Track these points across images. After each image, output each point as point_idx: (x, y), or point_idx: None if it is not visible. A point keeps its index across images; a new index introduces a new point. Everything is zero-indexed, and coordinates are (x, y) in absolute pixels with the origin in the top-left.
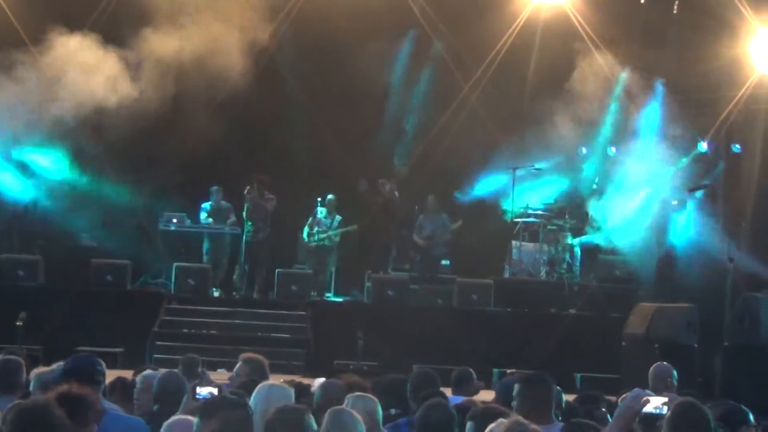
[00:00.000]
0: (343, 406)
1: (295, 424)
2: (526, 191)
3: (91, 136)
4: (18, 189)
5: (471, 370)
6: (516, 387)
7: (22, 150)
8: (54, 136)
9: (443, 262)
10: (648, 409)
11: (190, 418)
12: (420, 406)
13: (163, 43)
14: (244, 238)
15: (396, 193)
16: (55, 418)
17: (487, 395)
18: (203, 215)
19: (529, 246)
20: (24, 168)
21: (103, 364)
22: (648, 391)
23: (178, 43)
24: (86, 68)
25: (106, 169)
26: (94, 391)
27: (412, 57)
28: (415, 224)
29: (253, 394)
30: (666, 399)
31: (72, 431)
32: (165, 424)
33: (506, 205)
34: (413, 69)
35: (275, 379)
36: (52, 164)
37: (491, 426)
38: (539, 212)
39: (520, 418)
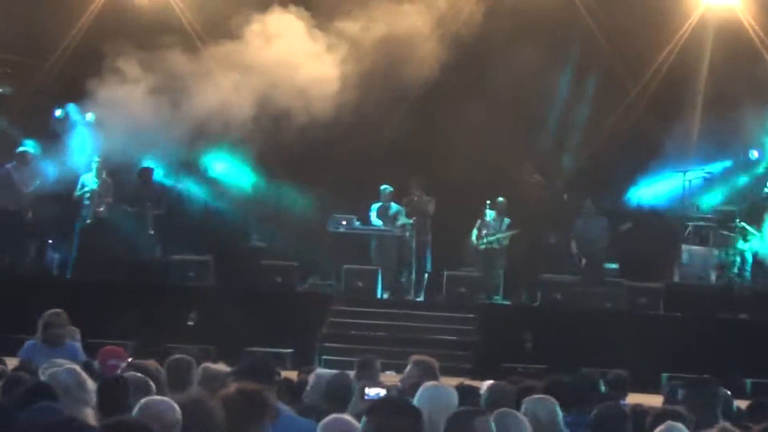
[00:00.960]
0: (522, 410)
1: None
2: (696, 194)
3: (268, 135)
4: (191, 192)
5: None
6: (681, 391)
7: (199, 152)
8: (233, 137)
9: (611, 265)
10: None
11: (346, 417)
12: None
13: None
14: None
15: (565, 196)
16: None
17: (654, 400)
18: (373, 216)
19: (699, 250)
20: (199, 170)
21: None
22: None
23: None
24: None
25: (278, 170)
26: (269, 389)
27: (579, 61)
28: (574, 228)
29: (417, 395)
30: None
31: (247, 428)
32: (321, 423)
33: (676, 208)
34: (580, 72)
35: (443, 382)
36: (228, 166)
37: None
38: (709, 215)
39: (728, 425)
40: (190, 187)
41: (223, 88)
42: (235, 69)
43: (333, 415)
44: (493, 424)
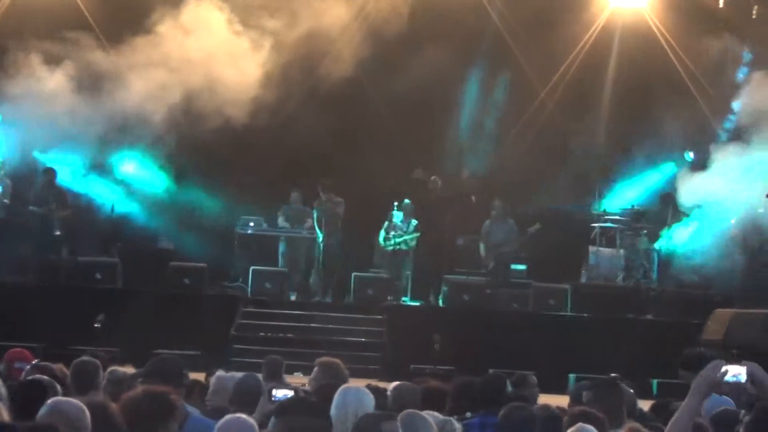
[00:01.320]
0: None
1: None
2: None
3: (179, 135)
4: (100, 192)
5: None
6: (587, 393)
7: (109, 152)
8: (144, 137)
9: (519, 266)
10: (728, 378)
11: (244, 416)
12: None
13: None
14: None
15: (473, 198)
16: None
17: (562, 400)
18: (280, 219)
19: (605, 251)
20: (109, 171)
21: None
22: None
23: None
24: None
25: (188, 170)
26: (177, 392)
27: (488, 63)
28: (482, 230)
29: (335, 396)
30: (745, 368)
31: (153, 430)
32: (218, 423)
33: (584, 209)
34: (491, 73)
35: (353, 383)
36: (136, 169)
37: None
38: (616, 217)
39: (637, 425)
40: (98, 188)
41: (135, 86)
42: (149, 66)
43: (229, 416)
44: (399, 427)
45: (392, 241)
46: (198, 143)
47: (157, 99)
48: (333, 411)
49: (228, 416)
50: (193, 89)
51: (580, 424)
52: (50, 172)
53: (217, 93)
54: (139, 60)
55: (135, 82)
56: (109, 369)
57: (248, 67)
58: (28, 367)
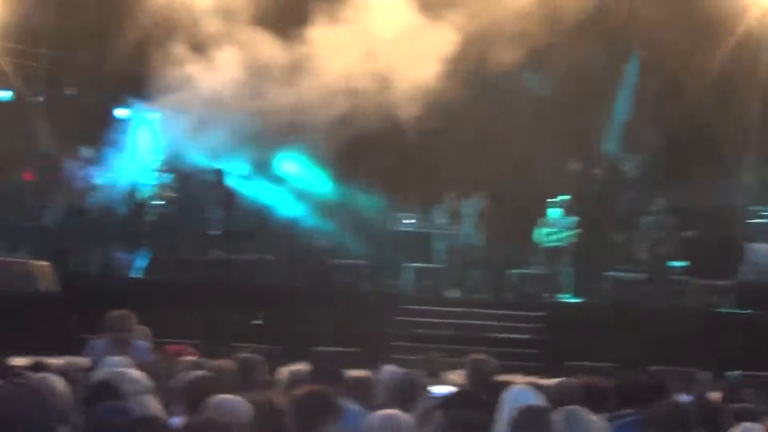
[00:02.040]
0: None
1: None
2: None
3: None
4: (263, 193)
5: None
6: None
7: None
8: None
9: (678, 263)
10: None
11: (398, 413)
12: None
13: None
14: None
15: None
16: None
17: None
18: (437, 216)
19: (764, 247)
20: (269, 170)
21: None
22: None
23: None
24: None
25: (346, 169)
26: (337, 389)
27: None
28: (641, 226)
29: (504, 395)
30: None
31: (316, 429)
32: (374, 420)
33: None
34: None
35: (510, 380)
36: (298, 165)
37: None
38: None
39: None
40: (262, 189)
41: (305, 82)
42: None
43: (382, 412)
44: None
45: (549, 238)
46: (359, 140)
47: (328, 96)
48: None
49: (382, 413)
50: (365, 86)
51: (744, 424)
52: (218, 173)
53: (390, 90)
54: (313, 53)
55: (305, 78)
56: (289, 369)
57: (426, 61)
58: (190, 363)
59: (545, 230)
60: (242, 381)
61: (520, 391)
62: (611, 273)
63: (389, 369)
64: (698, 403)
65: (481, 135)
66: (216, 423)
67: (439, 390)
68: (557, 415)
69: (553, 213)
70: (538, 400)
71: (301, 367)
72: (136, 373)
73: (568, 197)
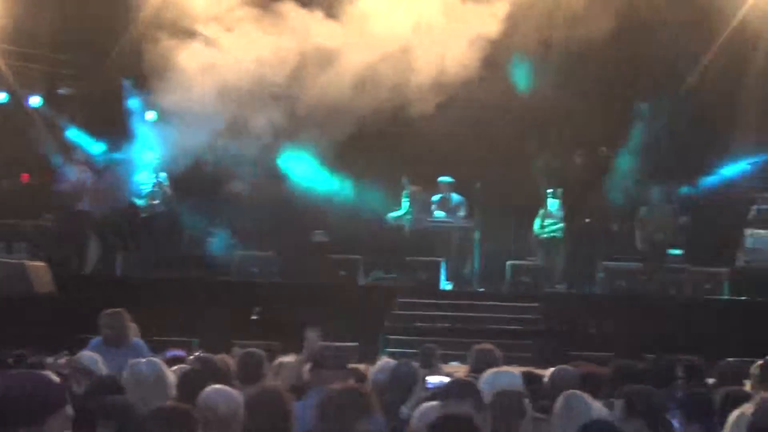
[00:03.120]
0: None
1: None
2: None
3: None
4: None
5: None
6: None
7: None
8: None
9: (675, 251)
10: None
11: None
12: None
13: None
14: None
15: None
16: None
17: None
18: (433, 208)
19: (763, 233)
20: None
21: None
22: None
23: None
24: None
25: (341, 162)
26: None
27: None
28: (639, 215)
29: (482, 379)
30: None
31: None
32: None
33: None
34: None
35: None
36: (298, 160)
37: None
38: None
39: None
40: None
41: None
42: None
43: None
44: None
45: (547, 229)
46: (355, 134)
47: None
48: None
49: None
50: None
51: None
52: (216, 170)
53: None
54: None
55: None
56: (278, 360)
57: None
58: (191, 357)
59: (543, 221)
60: (245, 375)
61: (498, 373)
62: (607, 262)
63: (386, 361)
64: (694, 389)
65: (476, 125)
66: (180, 409)
67: (436, 381)
68: (557, 400)
69: (552, 204)
70: (514, 381)
71: (290, 359)
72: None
73: (563, 189)
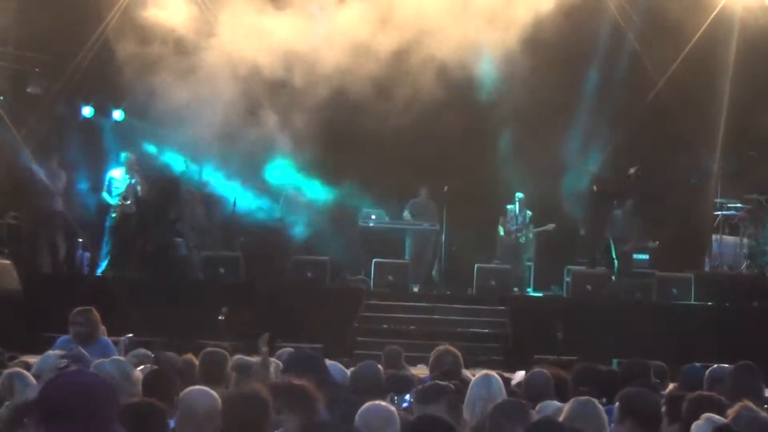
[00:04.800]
0: None
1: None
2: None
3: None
4: (222, 187)
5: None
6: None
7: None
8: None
9: (641, 256)
10: None
11: (384, 403)
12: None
13: None
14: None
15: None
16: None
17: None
18: (406, 213)
19: (729, 239)
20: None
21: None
22: None
23: None
24: None
25: (309, 166)
26: (313, 383)
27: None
28: (609, 222)
29: (473, 383)
30: None
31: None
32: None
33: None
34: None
35: (472, 373)
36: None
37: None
38: (739, 204)
39: (749, 404)
40: (222, 183)
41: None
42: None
43: (370, 403)
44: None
45: (515, 235)
46: (329, 137)
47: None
48: (469, 397)
49: (369, 403)
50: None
51: (707, 415)
52: (186, 172)
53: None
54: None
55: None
56: (235, 357)
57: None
58: (156, 357)
59: (506, 225)
60: (208, 374)
61: (486, 378)
62: (574, 267)
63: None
64: (659, 393)
65: (447, 132)
66: (147, 403)
67: (406, 397)
68: (567, 406)
69: (511, 208)
70: (501, 387)
71: (249, 358)
72: (121, 366)
73: (522, 195)
